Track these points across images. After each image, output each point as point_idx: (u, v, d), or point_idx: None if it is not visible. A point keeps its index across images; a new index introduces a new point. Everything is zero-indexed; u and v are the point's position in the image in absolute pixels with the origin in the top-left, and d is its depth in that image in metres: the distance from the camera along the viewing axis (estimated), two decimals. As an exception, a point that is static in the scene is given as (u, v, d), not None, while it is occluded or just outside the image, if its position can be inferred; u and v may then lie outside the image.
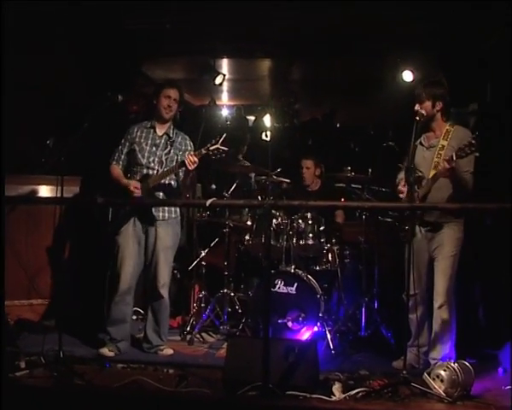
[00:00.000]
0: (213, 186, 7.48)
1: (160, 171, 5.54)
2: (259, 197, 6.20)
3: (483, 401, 4.54)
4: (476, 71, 8.66)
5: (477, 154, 4.72)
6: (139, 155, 5.58)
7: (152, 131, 5.67)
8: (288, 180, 6.85)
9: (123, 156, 5.66)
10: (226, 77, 9.97)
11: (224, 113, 13.72)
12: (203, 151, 5.31)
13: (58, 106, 7.05)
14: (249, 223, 6.61)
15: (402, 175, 5.46)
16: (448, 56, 8.70)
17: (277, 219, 6.35)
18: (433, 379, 4.62)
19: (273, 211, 6.23)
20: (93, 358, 5.37)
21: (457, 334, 5.23)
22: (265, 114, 10.57)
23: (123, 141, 5.69)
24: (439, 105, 5.23)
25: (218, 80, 9.55)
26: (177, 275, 7.17)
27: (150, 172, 5.56)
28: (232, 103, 14.38)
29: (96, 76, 7.87)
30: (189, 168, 5.31)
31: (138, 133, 5.65)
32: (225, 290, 6.49)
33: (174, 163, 5.57)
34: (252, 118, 12.55)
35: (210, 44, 9.29)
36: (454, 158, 4.81)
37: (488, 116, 8.53)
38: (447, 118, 5.35)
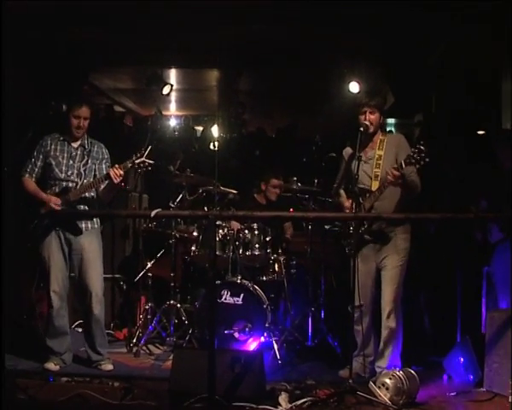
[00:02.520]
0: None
1: (80, 184, 5.45)
2: (205, 208, 6.14)
3: (428, 408, 4.62)
4: (421, 82, 8.83)
5: (427, 159, 4.78)
6: (56, 170, 5.45)
7: (66, 143, 5.54)
8: (234, 191, 6.82)
9: (36, 169, 5.50)
10: (174, 87, 9.91)
11: (172, 123, 13.68)
12: (128, 164, 5.30)
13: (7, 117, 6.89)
14: (195, 234, 6.58)
15: (342, 192, 5.53)
16: (393, 68, 8.86)
17: (223, 230, 6.33)
18: (379, 387, 4.67)
19: (219, 222, 6.22)
20: (36, 372, 5.27)
21: (403, 342, 5.30)
22: (213, 124, 10.54)
23: (35, 153, 5.51)
24: (382, 117, 5.31)
25: (166, 90, 9.49)
26: (123, 286, 7.10)
27: (70, 184, 5.45)
28: (180, 113, 14.36)
29: (44, 84, 7.75)
30: (115, 181, 5.28)
31: (53, 146, 5.50)
32: (172, 302, 6.43)
33: (92, 173, 5.51)
34: (200, 128, 12.53)
35: (157, 55, 9.26)
36: (403, 165, 4.88)
37: (433, 127, 8.72)
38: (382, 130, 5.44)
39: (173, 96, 12.23)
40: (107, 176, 5.30)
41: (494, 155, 5.91)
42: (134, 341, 6.29)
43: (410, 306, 5.77)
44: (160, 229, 6.72)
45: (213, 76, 11.26)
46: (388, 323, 5.19)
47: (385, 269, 5.23)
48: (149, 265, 6.64)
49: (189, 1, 6.80)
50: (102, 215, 5.58)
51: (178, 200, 6.63)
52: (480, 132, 8.72)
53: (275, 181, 7.11)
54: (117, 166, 5.31)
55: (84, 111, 5.48)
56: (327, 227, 6.51)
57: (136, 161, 5.26)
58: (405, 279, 5.30)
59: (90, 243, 5.52)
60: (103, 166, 5.56)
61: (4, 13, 5.24)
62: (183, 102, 13.64)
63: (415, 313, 6.23)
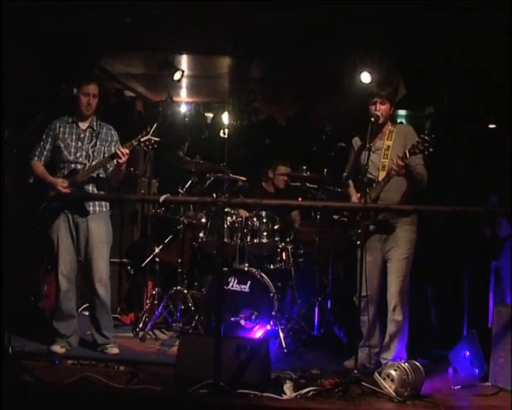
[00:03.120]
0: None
1: (89, 165, 5.47)
2: (214, 195, 6.14)
3: (432, 401, 4.59)
4: (433, 74, 8.78)
5: (431, 150, 4.76)
6: (65, 152, 5.47)
7: (75, 126, 5.55)
8: (244, 178, 6.82)
9: (45, 153, 5.52)
10: (185, 73, 9.90)
11: (183, 109, 13.68)
12: (134, 143, 5.31)
13: (17, 100, 6.90)
14: (203, 220, 6.57)
15: (350, 182, 5.53)
16: (405, 60, 8.81)
17: (232, 217, 6.33)
18: (384, 379, 4.66)
19: (228, 209, 6.22)
20: (42, 354, 5.30)
21: (409, 334, 5.30)
22: (224, 111, 10.53)
23: (44, 137, 5.53)
24: (392, 108, 5.29)
25: (177, 76, 9.47)
26: (130, 271, 7.11)
27: (79, 166, 5.47)
28: (191, 100, 14.36)
29: (55, 69, 7.75)
30: (121, 160, 5.29)
31: (61, 129, 5.53)
32: (179, 287, 6.44)
33: (102, 155, 5.52)
34: (210, 115, 12.52)
35: (169, 40, 9.24)
36: (407, 155, 4.88)
37: (444, 120, 8.67)
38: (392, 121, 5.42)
39: (184, 82, 12.22)
40: (113, 156, 5.32)
41: (504, 149, 5.88)
42: (140, 326, 6.30)
43: (417, 298, 5.77)
44: (168, 215, 6.72)
45: (225, 63, 11.21)
46: (394, 316, 5.19)
47: (390, 261, 5.22)
48: (157, 250, 6.64)
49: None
50: (111, 200, 5.58)
51: (187, 186, 6.63)
52: (491, 126, 8.68)
53: (282, 168, 7.10)
54: (123, 145, 5.34)
55: (93, 88, 5.50)
56: (335, 217, 6.48)
57: (142, 139, 5.28)
58: (412, 272, 5.29)
59: (98, 226, 5.52)
60: (112, 148, 5.55)
61: (4, 13, 5.33)
62: (193, 89, 13.64)
63: (422, 305, 6.23)
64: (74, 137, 5.52)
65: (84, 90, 5.48)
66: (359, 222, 5.03)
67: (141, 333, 6.19)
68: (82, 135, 5.53)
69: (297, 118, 10.61)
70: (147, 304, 6.58)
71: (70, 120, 5.56)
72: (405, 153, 4.89)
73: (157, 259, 6.66)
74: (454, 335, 5.71)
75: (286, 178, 7.06)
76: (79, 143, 5.51)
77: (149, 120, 8.91)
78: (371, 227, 5.17)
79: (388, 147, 5.21)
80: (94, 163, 5.45)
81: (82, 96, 5.48)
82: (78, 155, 5.48)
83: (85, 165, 5.46)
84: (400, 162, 4.92)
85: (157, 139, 5.30)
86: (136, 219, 7.32)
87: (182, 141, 8.11)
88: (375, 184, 5.16)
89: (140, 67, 11.78)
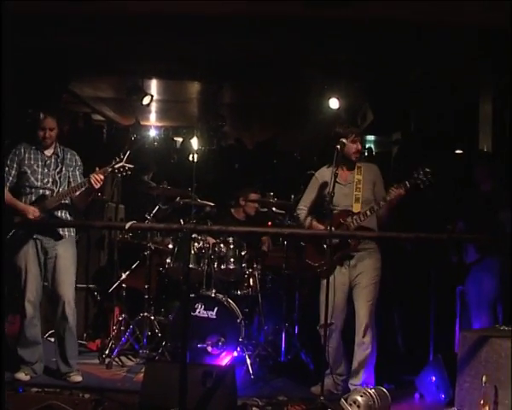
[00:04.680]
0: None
1: (57, 191, 5.44)
2: (181, 221, 6.13)
3: (399, 427, 4.61)
4: (400, 100, 8.91)
5: (428, 184, 4.87)
6: (32, 178, 5.43)
7: (40, 152, 5.52)
8: (212, 204, 6.82)
9: (11, 178, 5.45)
10: (154, 98, 9.92)
11: (152, 133, 13.68)
12: (109, 169, 5.28)
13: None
14: (170, 246, 6.55)
15: (309, 219, 5.49)
16: (373, 85, 8.93)
17: (199, 243, 6.32)
18: (350, 405, 4.66)
19: (195, 235, 6.22)
20: (6, 381, 5.15)
21: (376, 360, 5.31)
22: (193, 136, 10.54)
23: (9, 162, 5.46)
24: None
25: (146, 101, 9.50)
26: (97, 297, 7.05)
27: (46, 192, 5.44)
28: (160, 124, 14.37)
29: (23, 93, 7.70)
30: (95, 187, 5.27)
31: (27, 155, 5.49)
32: (145, 313, 6.40)
33: (67, 181, 5.52)
34: (179, 139, 12.55)
35: (138, 65, 9.26)
36: (408, 185, 4.96)
37: (411, 146, 8.79)
38: None
39: (154, 106, 12.22)
40: (88, 181, 5.27)
41: (471, 175, 5.97)
42: (106, 352, 6.23)
43: (383, 324, 5.78)
44: (135, 240, 6.69)
45: (194, 88, 11.27)
46: (363, 340, 5.19)
47: (359, 286, 5.24)
48: (124, 276, 6.60)
49: (172, 9, 6.76)
50: (77, 226, 5.54)
51: (154, 211, 6.61)
52: (458, 152, 8.82)
53: (253, 195, 7.12)
54: (97, 170, 5.28)
55: (49, 122, 5.46)
56: (303, 243, 6.50)
57: (116, 166, 5.26)
58: (379, 297, 5.32)
59: (65, 250, 5.48)
60: (77, 172, 5.57)
61: (4, 13, 5.22)
62: (163, 113, 13.65)
63: (388, 331, 6.26)
64: (40, 163, 5.48)
65: (40, 124, 5.45)
66: (325, 251, 4.99)
67: (107, 360, 6.12)
68: (48, 161, 5.51)
69: (265, 143, 10.68)
70: (113, 330, 6.52)
71: (34, 147, 5.52)
72: (405, 183, 4.98)
73: (124, 284, 6.62)
74: (420, 360, 5.73)
75: (257, 205, 7.08)
76: (46, 170, 5.48)
77: (118, 144, 8.91)
78: (339, 255, 5.21)
79: (359, 181, 5.29)
80: (66, 189, 5.43)
81: (39, 130, 5.45)
82: (45, 181, 5.45)
83: (53, 191, 5.43)
84: (402, 191, 4.98)
85: (131, 166, 5.28)
86: (102, 244, 7.27)
87: (147, 168, 8.09)
88: (353, 216, 5.18)
89: (109, 91, 11.77)
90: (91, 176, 5.26)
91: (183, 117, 13.51)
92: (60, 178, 5.50)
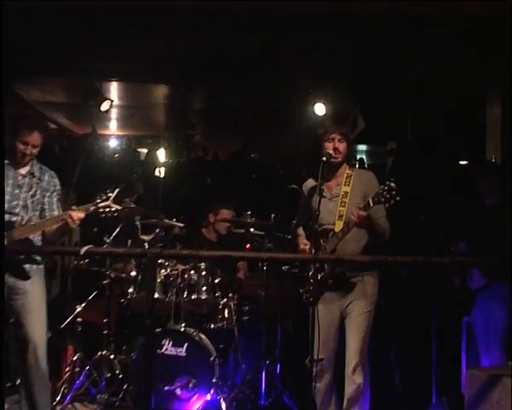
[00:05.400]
0: (95, 229, 7.38)
1: (26, 218, 5.16)
2: (146, 244, 6.12)
3: None
4: (395, 106, 8.98)
5: (398, 199, 4.82)
6: None
7: (12, 168, 5.23)
8: (181, 224, 6.81)
9: None
10: (114, 103, 9.91)
11: (112, 144, 13.66)
12: (91, 207, 5.06)
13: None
14: (133, 274, 6.53)
15: (300, 231, 5.54)
16: (365, 90, 8.98)
17: (166, 270, 6.31)
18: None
19: (161, 260, 6.20)
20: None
21: (370, 401, 5.27)
22: (159, 147, 10.56)
23: None
24: (349, 148, 5.38)
25: (105, 107, 9.48)
26: (47, 334, 6.97)
27: (13, 218, 5.15)
28: (121, 133, 14.36)
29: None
30: (72, 226, 5.09)
31: None
32: (104, 352, 6.34)
33: (39, 206, 5.26)
34: (144, 151, 12.54)
35: (95, 65, 9.24)
36: (371, 204, 4.86)
37: (408, 157, 8.85)
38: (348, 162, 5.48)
39: (114, 113, 12.23)
40: (65, 218, 5.06)
41: (476, 189, 6.01)
42: (58, 398, 6.17)
43: (378, 360, 5.79)
44: (92, 267, 6.66)
45: (160, 92, 11.27)
46: (354, 378, 5.16)
47: (350, 316, 5.23)
48: (79, 309, 6.56)
49: (133, 1, 6.74)
50: (26, 253, 5.42)
51: (115, 234, 6.58)
52: (463, 163, 8.89)
53: (225, 212, 7.16)
54: (75, 208, 5.08)
55: (35, 138, 5.19)
56: (285, 268, 6.52)
57: (100, 205, 5.12)
58: (374, 329, 5.30)
59: (34, 286, 5.24)
60: (54, 199, 5.32)
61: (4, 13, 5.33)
62: (124, 121, 13.64)
63: (384, 367, 6.27)
64: (11, 181, 5.20)
65: (23, 138, 5.16)
66: (311, 277, 5.03)
67: (58, 407, 6.07)
68: (21, 181, 5.23)
69: (241, 154, 10.72)
70: (66, 372, 6.44)
71: (7, 162, 5.22)
72: (368, 202, 4.88)
73: (79, 319, 6.57)
74: (421, 402, 5.74)
75: (229, 223, 7.09)
76: (17, 190, 5.19)
77: (71, 156, 8.88)
78: (330, 282, 5.19)
79: (346, 193, 5.23)
80: (40, 221, 5.21)
81: (19, 144, 5.15)
82: (13, 203, 5.15)
83: (22, 218, 5.14)
84: (362, 213, 4.91)
85: (118, 208, 5.16)
86: (54, 272, 7.22)
87: (133, 188, 8.04)
88: (331, 235, 5.16)
89: (61, 94, 11.74)
90: (70, 213, 5.04)
91: (148, 125, 13.50)
92: (32, 202, 5.22)
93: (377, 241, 5.19)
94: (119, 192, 5.11)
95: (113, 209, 5.11)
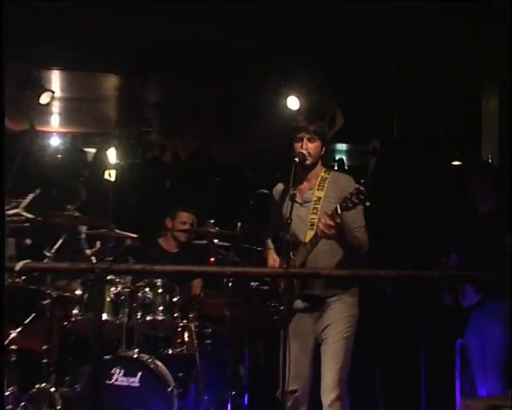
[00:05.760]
0: (28, 241, 7.33)
1: None
2: (93, 258, 6.12)
3: None
4: (379, 100, 9.04)
5: (367, 203, 4.82)
6: None
7: None
8: (134, 235, 6.81)
9: None
10: (56, 95, 9.88)
11: (54, 142, 13.59)
12: None
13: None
14: (78, 292, 6.50)
15: (270, 243, 5.57)
16: (344, 81, 9.03)
17: (116, 288, 6.30)
18: None
19: (111, 276, 6.20)
20: None
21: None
22: (109, 146, 10.55)
23: None
24: (324, 148, 5.37)
25: (45, 99, 9.45)
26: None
27: None
28: (65, 130, 14.29)
29: None
30: None
31: None
32: (43, 385, 6.28)
33: None
34: (91, 150, 12.50)
35: (34, 50, 9.20)
36: (339, 211, 4.82)
37: (392, 157, 8.91)
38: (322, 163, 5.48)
39: (56, 106, 12.18)
40: None
41: (469, 193, 6.06)
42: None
43: (360, 387, 5.83)
44: (30, 285, 6.63)
45: (110, 83, 11.27)
46: (329, 411, 5.21)
47: (326, 342, 5.23)
48: (14, 334, 6.51)
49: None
50: None
51: (56, 247, 6.56)
52: (456, 164, 8.96)
53: (184, 215, 7.19)
54: None
55: None
56: (253, 284, 6.54)
57: (9, 212, 5.13)
58: (355, 353, 5.34)
59: None
60: None
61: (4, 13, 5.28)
62: (68, 116, 13.59)
63: (366, 396, 6.30)
64: None
65: None
66: (281, 295, 5.06)
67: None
68: None
69: (203, 153, 10.74)
70: (-2, 409, 6.43)
71: None
72: (336, 208, 4.82)
73: (13, 346, 6.52)
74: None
75: (188, 227, 7.14)
76: None
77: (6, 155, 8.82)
78: (298, 304, 5.22)
79: (319, 199, 5.24)
80: None
81: None
82: None
83: None
84: (329, 221, 4.85)
85: (30, 217, 5.17)
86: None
87: (75, 194, 8.02)
88: (300, 247, 5.17)
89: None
90: None
91: (96, 121, 13.46)
92: None
93: (352, 256, 5.17)
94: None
95: (23, 219, 5.12)
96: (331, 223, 4.85)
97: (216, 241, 6.76)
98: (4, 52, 5.25)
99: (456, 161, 8.48)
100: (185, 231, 7.14)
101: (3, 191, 5.01)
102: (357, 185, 4.82)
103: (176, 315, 6.43)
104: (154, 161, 11.17)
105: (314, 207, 5.23)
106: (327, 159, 5.57)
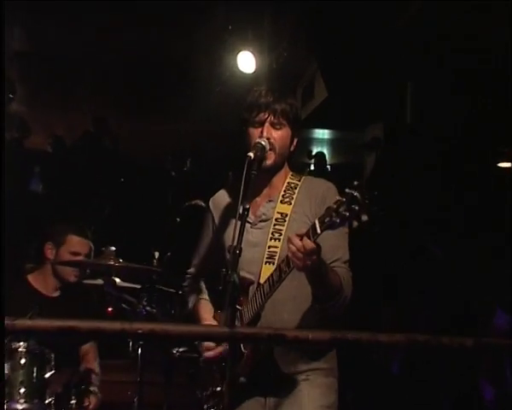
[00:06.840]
0: None
1: None
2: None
3: None
4: (382, 65, 9.04)
5: (364, 218, 4.57)
6: None
7: None
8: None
9: None
10: None
11: None
12: None
13: None
14: None
15: (202, 287, 5.49)
16: (327, 36, 9.00)
17: None
18: None
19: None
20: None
21: None
22: None
23: None
24: (296, 140, 5.20)
25: None
26: None
27: None
28: None
29: None
30: None
31: None
32: None
33: None
34: None
35: None
36: (318, 230, 4.54)
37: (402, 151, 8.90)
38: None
39: None
40: None
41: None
42: None
43: None
44: None
45: None
46: None
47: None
48: None
49: None
50: None
51: None
52: (504, 166, 8.99)
53: (75, 240, 7.08)
54: None
55: None
56: (176, 352, 6.48)
57: None
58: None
59: None
60: None
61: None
62: None
63: None
64: None
65: None
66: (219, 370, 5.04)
67: None
68: None
69: (99, 138, 10.68)
70: None
71: None
72: (314, 225, 4.54)
73: None
74: None
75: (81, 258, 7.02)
76: None
77: None
78: (247, 382, 5.08)
79: (283, 216, 5.13)
80: None
81: None
82: None
83: None
84: (307, 242, 4.56)
85: None
86: None
87: None
88: (254, 290, 5.04)
89: None
90: None
91: None
92: None
93: (327, 305, 4.94)
94: None
95: None
96: (312, 245, 4.54)
97: (118, 280, 6.67)
98: (4, 51, 5.61)
99: (503, 162, 8.45)
100: (77, 266, 7.01)
101: (3, 191, 5.32)
102: (348, 190, 4.52)
103: (48, 401, 6.23)
104: (15, 146, 11.02)
105: (275, 230, 5.09)
106: (299, 155, 5.44)
